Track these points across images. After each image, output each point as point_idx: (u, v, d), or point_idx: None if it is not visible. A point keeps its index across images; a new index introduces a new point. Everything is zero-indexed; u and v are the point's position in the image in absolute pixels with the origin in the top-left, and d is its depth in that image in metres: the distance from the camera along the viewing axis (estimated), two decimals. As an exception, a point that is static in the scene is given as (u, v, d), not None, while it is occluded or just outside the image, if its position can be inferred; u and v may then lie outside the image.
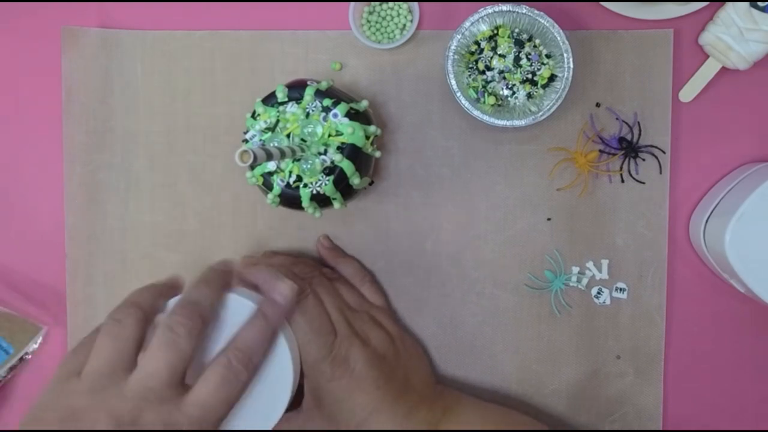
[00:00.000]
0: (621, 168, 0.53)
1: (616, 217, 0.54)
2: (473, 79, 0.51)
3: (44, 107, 0.56)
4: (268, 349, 0.40)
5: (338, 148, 0.46)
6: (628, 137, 0.53)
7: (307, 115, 0.46)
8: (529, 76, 0.51)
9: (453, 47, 0.50)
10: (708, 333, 0.55)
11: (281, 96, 0.46)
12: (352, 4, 0.51)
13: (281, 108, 0.47)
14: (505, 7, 0.49)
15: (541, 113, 0.49)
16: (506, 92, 0.51)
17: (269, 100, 0.47)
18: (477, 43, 0.51)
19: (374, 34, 0.53)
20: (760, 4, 0.49)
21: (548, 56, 0.51)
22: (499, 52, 0.51)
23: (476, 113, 0.50)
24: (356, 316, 0.50)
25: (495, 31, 0.51)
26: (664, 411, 0.55)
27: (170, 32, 0.55)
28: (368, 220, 0.55)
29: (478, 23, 0.50)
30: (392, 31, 0.53)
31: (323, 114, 0.46)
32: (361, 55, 0.54)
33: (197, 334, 0.36)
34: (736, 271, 0.48)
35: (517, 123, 0.50)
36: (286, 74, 0.54)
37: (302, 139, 0.46)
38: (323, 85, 0.47)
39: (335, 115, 0.46)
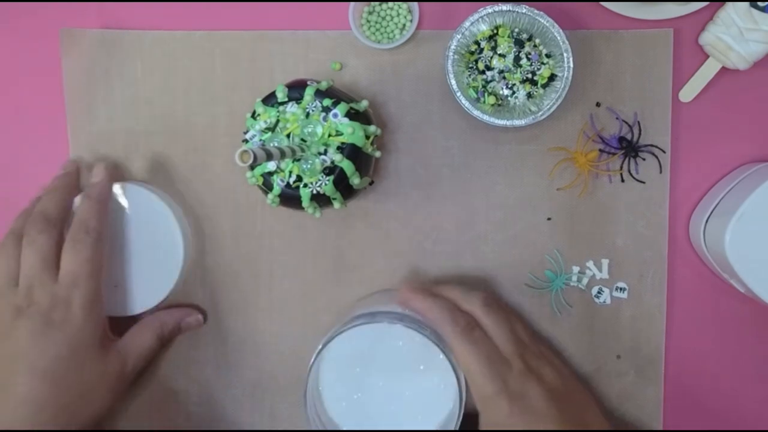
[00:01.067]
0: (621, 168, 0.53)
1: (616, 216, 0.54)
2: (473, 79, 0.51)
3: (45, 107, 0.56)
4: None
5: (338, 148, 0.46)
6: (628, 137, 0.53)
7: (307, 115, 0.46)
8: (529, 75, 0.51)
9: (453, 47, 0.50)
10: (708, 333, 0.55)
11: (281, 96, 0.46)
12: (352, 4, 0.51)
13: (281, 108, 0.47)
14: (504, 6, 0.49)
15: (541, 113, 0.49)
16: (506, 92, 0.51)
17: (269, 100, 0.47)
18: (477, 42, 0.51)
19: (374, 34, 0.53)
20: (760, 4, 0.49)
21: (548, 56, 0.51)
22: (499, 52, 0.51)
23: (476, 113, 0.50)
24: (529, 352, 0.49)
25: (495, 31, 0.51)
26: (664, 411, 0.55)
27: (170, 32, 0.55)
28: (368, 220, 0.55)
29: (478, 23, 0.50)
30: (392, 31, 0.53)
31: (323, 114, 0.46)
32: (361, 55, 0.54)
33: (51, 231, 0.48)
34: (736, 271, 0.48)
35: (517, 123, 0.50)
36: (286, 74, 0.54)
37: (302, 139, 0.46)
38: (323, 85, 0.47)
39: (335, 115, 0.46)
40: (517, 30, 0.51)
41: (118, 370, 0.50)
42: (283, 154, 0.42)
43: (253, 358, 0.56)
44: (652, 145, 0.53)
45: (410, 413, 0.50)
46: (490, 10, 0.49)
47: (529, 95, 0.51)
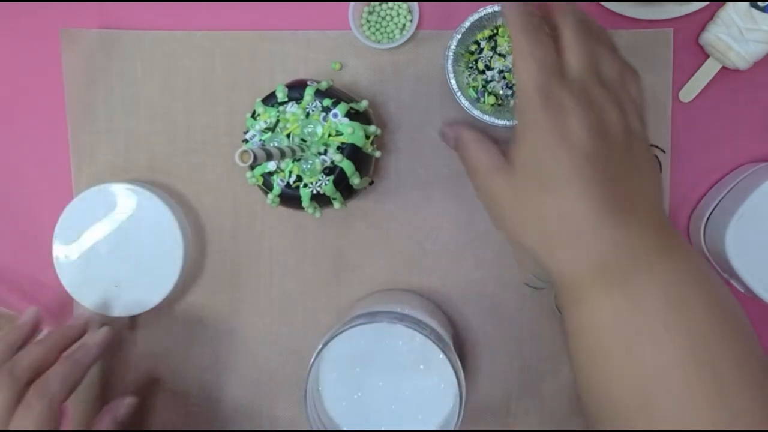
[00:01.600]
0: (621, 168, 0.53)
1: (616, 216, 0.54)
2: (473, 79, 0.51)
3: (45, 107, 0.56)
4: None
5: (338, 148, 0.46)
6: (628, 137, 0.53)
7: (307, 115, 0.46)
8: None
9: (453, 47, 0.50)
10: (708, 333, 0.55)
11: (281, 96, 0.46)
12: (352, 4, 0.51)
13: (281, 108, 0.47)
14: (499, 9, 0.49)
15: None
16: (506, 92, 0.51)
17: (269, 100, 0.47)
18: (477, 42, 0.51)
19: (374, 34, 0.53)
20: (760, 4, 0.49)
21: None
22: (499, 52, 0.51)
23: (476, 113, 0.50)
24: (598, 87, 0.37)
25: (495, 31, 0.51)
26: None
27: (170, 32, 0.55)
28: (368, 220, 0.55)
29: (479, 23, 0.50)
30: (392, 31, 0.53)
31: (323, 114, 0.46)
32: (361, 55, 0.54)
33: (12, 388, 0.44)
34: (736, 271, 0.48)
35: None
36: (286, 74, 0.54)
37: (302, 139, 0.46)
38: (323, 85, 0.47)
39: (335, 115, 0.46)
40: None
41: None
42: (283, 154, 0.42)
43: (253, 358, 0.56)
44: (652, 145, 0.53)
45: (410, 413, 0.50)
46: (489, 10, 0.49)
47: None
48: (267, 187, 0.47)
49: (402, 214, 0.55)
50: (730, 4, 0.50)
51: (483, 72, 0.51)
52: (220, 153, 0.55)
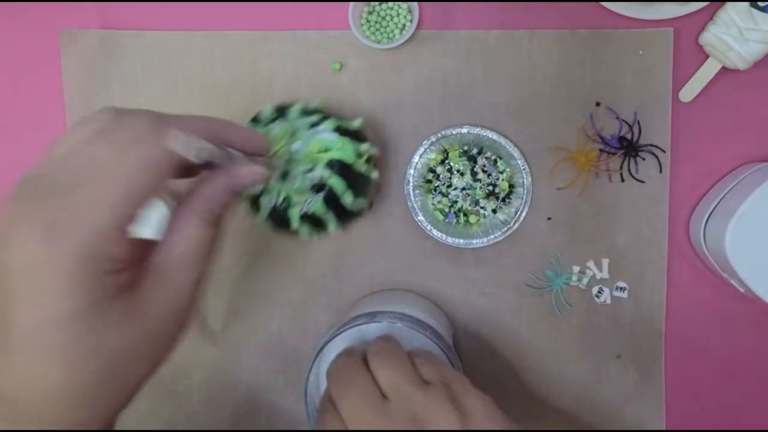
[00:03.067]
0: (621, 167, 0.53)
1: (616, 216, 0.54)
2: (438, 202, 0.53)
3: (45, 107, 0.56)
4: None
5: (328, 164, 0.43)
6: (628, 136, 0.53)
7: (294, 133, 0.44)
8: (491, 189, 0.53)
9: (411, 184, 0.53)
10: (708, 333, 0.55)
11: (268, 114, 0.45)
12: (352, 4, 0.51)
13: (270, 126, 0.45)
14: (446, 131, 0.52)
15: (512, 221, 0.53)
16: (474, 208, 0.53)
17: (257, 120, 0.45)
18: (432, 170, 0.53)
19: (374, 33, 0.53)
20: (761, 4, 0.49)
21: (502, 161, 0.53)
22: (456, 169, 0.53)
23: (436, 234, 0.53)
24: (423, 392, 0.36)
25: (445, 155, 0.53)
26: (666, 411, 0.55)
27: (170, 32, 0.55)
28: (368, 220, 0.55)
29: (427, 153, 0.53)
30: (392, 31, 0.53)
31: (311, 130, 0.44)
32: (361, 55, 0.54)
33: None
34: (736, 271, 0.48)
35: (476, 243, 0.53)
36: (286, 74, 0.54)
37: (289, 158, 0.44)
38: (312, 104, 0.46)
39: (322, 131, 0.44)
40: (465, 147, 0.53)
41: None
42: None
43: (252, 358, 0.56)
44: (652, 145, 0.53)
45: None
46: (433, 139, 0.52)
47: (494, 210, 0.53)
48: (255, 209, 0.45)
49: (402, 214, 0.55)
50: (730, 4, 0.50)
51: (446, 194, 0.53)
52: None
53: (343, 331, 0.46)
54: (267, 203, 0.44)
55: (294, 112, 0.45)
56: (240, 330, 0.56)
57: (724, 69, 0.52)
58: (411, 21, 0.53)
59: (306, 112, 0.45)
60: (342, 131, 0.45)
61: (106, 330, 0.30)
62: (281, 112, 0.45)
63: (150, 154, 0.32)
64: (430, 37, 0.54)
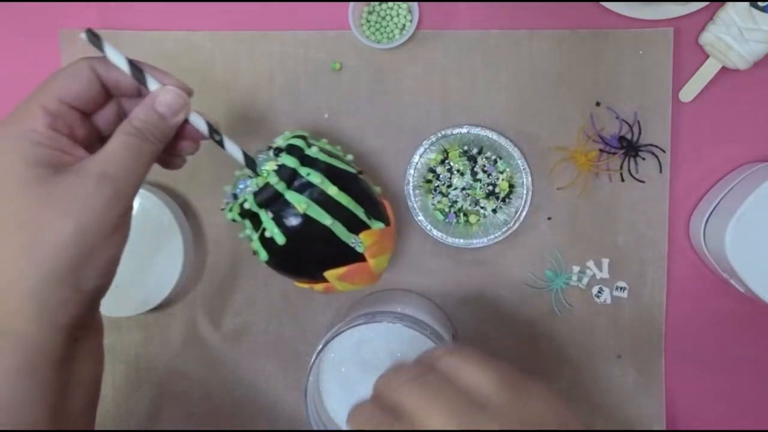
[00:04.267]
0: (621, 167, 0.53)
1: (616, 216, 0.54)
2: (438, 201, 0.53)
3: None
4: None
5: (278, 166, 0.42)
6: (628, 136, 0.53)
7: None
8: (491, 188, 0.53)
9: (411, 184, 0.53)
10: (708, 333, 0.55)
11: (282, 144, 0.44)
12: (352, 4, 0.51)
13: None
14: (446, 131, 0.52)
15: (513, 221, 0.52)
16: (474, 208, 0.53)
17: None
18: (432, 170, 0.53)
19: (374, 33, 0.53)
20: (761, 4, 0.49)
21: (502, 161, 0.53)
22: (456, 169, 0.53)
23: (437, 234, 0.52)
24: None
25: (445, 155, 0.53)
26: (666, 410, 0.55)
27: (170, 32, 0.55)
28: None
29: (427, 153, 0.53)
30: (392, 31, 0.53)
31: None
32: (361, 55, 0.54)
33: None
34: (736, 271, 0.48)
35: (476, 243, 0.53)
36: (286, 74, 0.54)
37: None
38: (317, 148, 0.44)
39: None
40: (465, 147, 0.53)
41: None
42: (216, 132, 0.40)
43: (252, 358, 0.56)
44: (652, 145, 0.53)
45: None
46: (433, 139, 0.52)
47: (494, 210, 0.53)
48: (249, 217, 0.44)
49: (403, 214, 0.55)
50: (730, 4, 0.50)
51: (447, 194, 0.53)
52: (219, 153, 0.55)
53: (343, 331, 0.46)
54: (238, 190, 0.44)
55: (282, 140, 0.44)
56: (240, 330, 0.56)
57: (724, 69, 0.52)
58: (411, 21, 0.52)
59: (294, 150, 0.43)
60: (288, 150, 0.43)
61: (60, 201, 0.34)
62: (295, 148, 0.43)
63: (76, 65, 0.38)
64: (430, 37, 0.53)
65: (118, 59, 0.39)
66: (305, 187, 0.42)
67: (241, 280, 0.56)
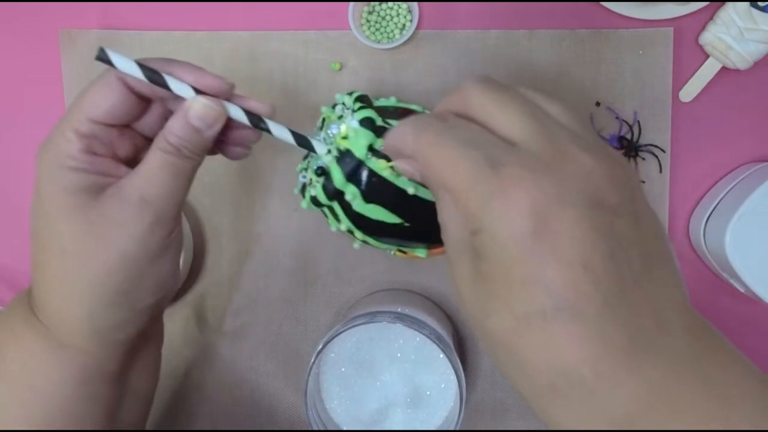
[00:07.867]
0: (621, 168, 0.53)
1: (616, 216, 0.54)
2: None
3: (45, 108, 0.56)
4: None
5: (339, 152, 0.40)
6: (628, 136, 0.53)
7: (340, 117, 0.42)
8: None
9: None
10: (708, 332, 0.55)
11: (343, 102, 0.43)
12: (352, 4, 0.51)
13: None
14: None
15: None
16: None
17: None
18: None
19: (374, 33, 0.53)
20: (761, 4, 0.49)
21: None
22: None
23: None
24: (564, 132, 0.28)
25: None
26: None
27: (170, 32, 0.55)
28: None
29: None
30: (392, 31, 0.53)
31: (349, 116, 0.41)
32: (361, 55, 0.54)
33: None
34: (736, 271, 0.48)
35: None
36: (286, 74, 0.54)
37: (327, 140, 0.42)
38: (388, 101, 0.44)
39: (353, 119, 0.41)
40: None
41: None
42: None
43: (252, 359, 0.56)
44: (652, 145, 0.53)
45: (411, 413, 0.50)
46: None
47: None
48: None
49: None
50: (730, 4, 0.50)
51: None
52: (218, 154, 0.55)
53: (343, 331, 0.46)
54: (301, 180, 0.43)
55: (350, 99, 0.42)
56: (240, 330, 0.56)
57: (724, 69, 0.52)
58: (411, 21, 0.53)
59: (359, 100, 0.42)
60: (368, 123, 0.40)
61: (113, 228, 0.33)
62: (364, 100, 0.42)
63: (103, 79, 0.36)
64: (430, 37, 0.54)
65: (132, 70, 0.36)
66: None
67: (241, 280, 0.56)
